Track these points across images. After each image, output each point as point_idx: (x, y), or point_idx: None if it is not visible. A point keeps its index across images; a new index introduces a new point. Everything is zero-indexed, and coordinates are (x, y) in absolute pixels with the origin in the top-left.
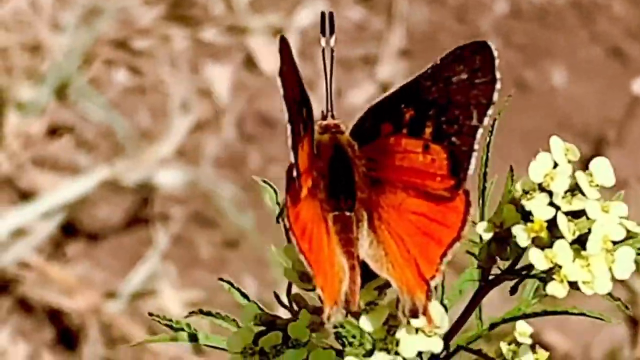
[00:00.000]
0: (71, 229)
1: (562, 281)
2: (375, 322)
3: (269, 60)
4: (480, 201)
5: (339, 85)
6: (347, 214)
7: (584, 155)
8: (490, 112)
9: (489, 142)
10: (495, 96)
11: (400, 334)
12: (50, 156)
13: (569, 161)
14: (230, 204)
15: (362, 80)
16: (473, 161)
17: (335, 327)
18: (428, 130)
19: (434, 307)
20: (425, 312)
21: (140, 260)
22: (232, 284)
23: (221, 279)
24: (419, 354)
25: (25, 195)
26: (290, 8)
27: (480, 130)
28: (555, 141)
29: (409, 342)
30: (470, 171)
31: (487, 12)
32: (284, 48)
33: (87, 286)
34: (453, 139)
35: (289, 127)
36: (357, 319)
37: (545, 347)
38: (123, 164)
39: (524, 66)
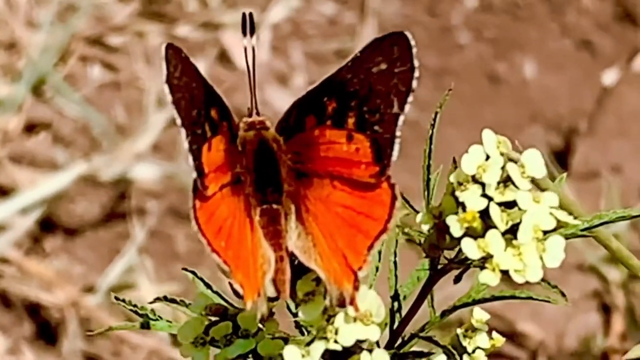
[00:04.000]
0: (49, 224)
1: (494, 270)
2: (314, 312)
3: (243, 56)
4: (425, 193)
5: (312, 80)
6: (275, 206)
7: (555, 146)
8: (410, 99)
9: (431, 135)
10: (414, 84)
11: (338, 322)
12: (27, 152)
13: (501, 153)
14: None
15: None
16: (396, 147)
17: (294, 316)
18: (351, 121)
19: (371, 297)
20: (352, 302)
21: (117, 254)
22: (194, 274)
23: (185, 269)
24: (377, 344)
25: (4, 191)
26: (264, 3)
27: (401, 118)
28: (487, 134)
29: (347, 330)
30: (394, 157)
31: (458, 5)
32: (173, 55)
33: (66, 280)
34: (375, 127)
35: (182, 132)
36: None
37: (519, 337)
38: (100, 159)
39: (495, 59)
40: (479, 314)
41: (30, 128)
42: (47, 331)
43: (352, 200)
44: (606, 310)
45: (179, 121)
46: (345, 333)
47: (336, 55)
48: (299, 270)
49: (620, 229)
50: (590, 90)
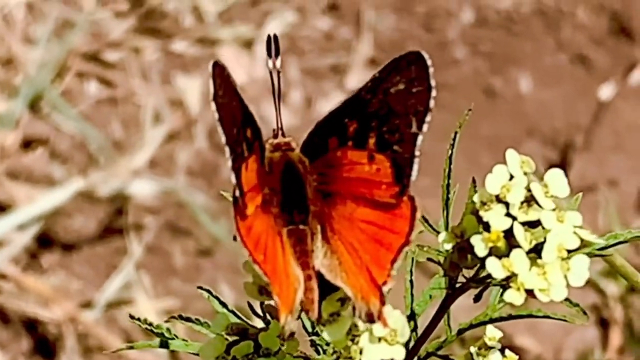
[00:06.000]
0: (47, 240)
1: (518, 289)
2: (338, 332)
3: (239, 71)
4: (444, 212)
5: (308, 95)
6: (301, 227)
7: (552, 161)
8: (428, 119)
9: (450, 155)
10: (432, 103)
11: (363, 343)
12: (24, 168)
13: (525, 173)
14: (204, 213)
15: (332, 89)
16: (415, 167)
17: (310, 335)
18: (371, 141)
19: (395, 316)
20: (380, 317)
21: (115, 270)
22: (210, 292)
23: (200, 287)
24: None
25: (1, 207)
26: (260, 19)
27: (420, 137)
28: (511, 154)
29: (371, 350)
30: (413, 177)
31: (454, 21)
32: (218, 73)
33: (63, 296)
34: (395, 147)
35: (227, 150)
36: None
37: (517, 351)
38: (97, 175)
39: (491, 74)
40: (492, 332)
41: (27, 144)
42: (44, 347)
43: (374, 216)
44: (604, 324)
45: (224, 139)
46: (370, 353)
47: (332, 71)
48: (324, 291)
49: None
50: (586, 105)
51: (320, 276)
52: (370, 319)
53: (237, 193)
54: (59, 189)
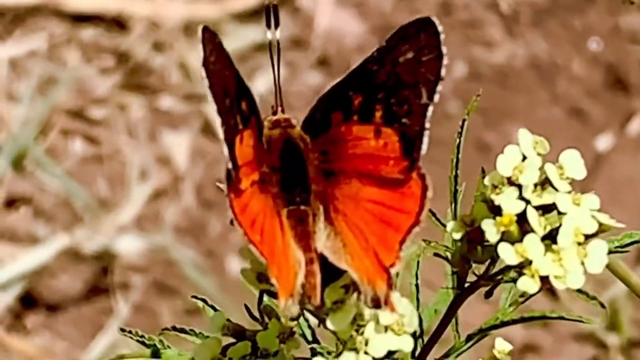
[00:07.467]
0: (31, 300)
1: (533, 276)
2: (342, 321)
3: None
4: (452, 204)
5: None
6: (302, 207)
7: None
8: (439, 88)
9: (459, 144)
10: (443, 72)
11: (369, 332)
12: (8, 227)
13: (539, 154)
14: (191, 271)
15: None
16: (425, 140)
17: (309, 342)
18: (378, 114)
19: (403, 304)
20: (387, 301)
21: (101, 330)
22: (205, 301)
23: (194, 297)
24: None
25: None
26: (248, 74)
27: (430, 108)
28: (523, 134)
29: (378, 341)
30: (423, 150)
31: (446, 74)
32: (209, 38)
33: (48, 357)
34: (404, 119)
35: (218, 119)
36: (324, 320)
37: None
38: (82, 233)
39: (484, 128)
40: (502, 345)
41: (11, 203)
42: None
43: (381, 195)
44: None
45: (214, 107)
46: (376, 343)
47: None
48: (327, 277)
49: None
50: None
51: (323, 260)
52: (376, 304)
53: (230, 166)
54: (43, 247)
